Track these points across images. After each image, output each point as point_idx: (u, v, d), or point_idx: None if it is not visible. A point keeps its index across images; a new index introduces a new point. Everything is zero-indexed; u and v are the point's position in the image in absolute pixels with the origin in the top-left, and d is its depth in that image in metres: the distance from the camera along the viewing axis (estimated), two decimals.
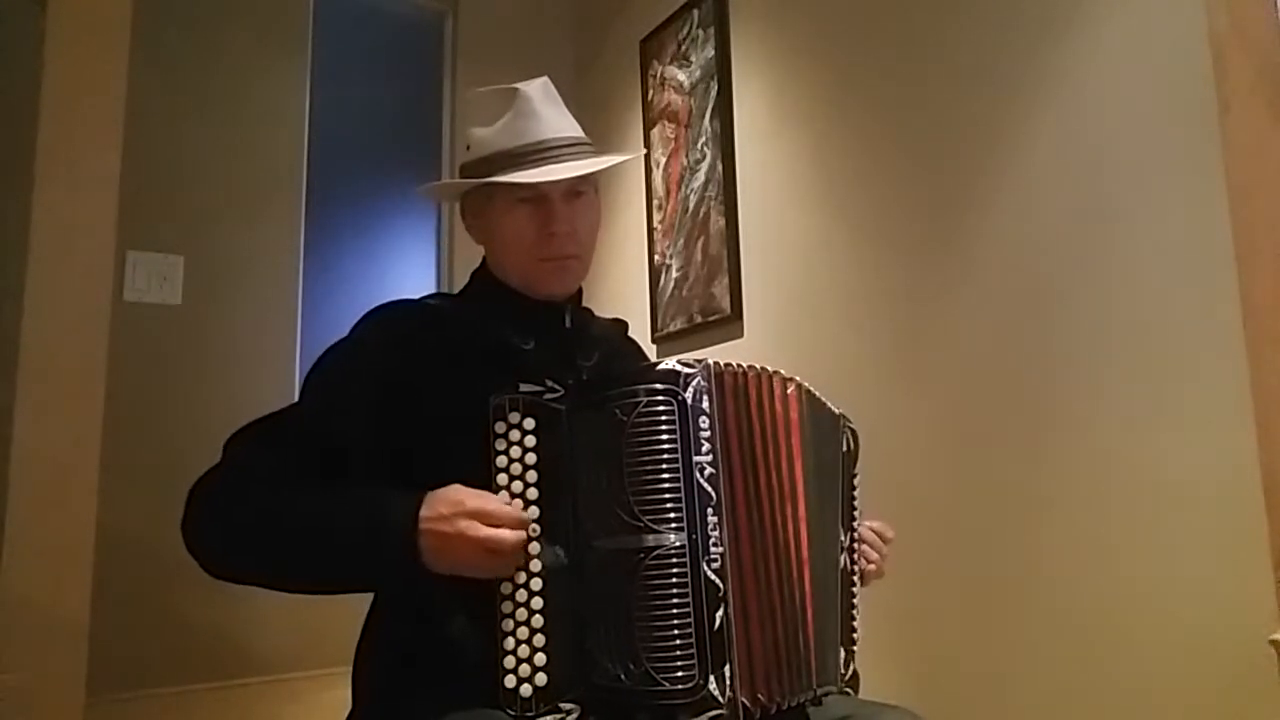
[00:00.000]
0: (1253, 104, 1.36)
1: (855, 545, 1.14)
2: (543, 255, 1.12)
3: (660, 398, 0.90)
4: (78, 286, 1.70)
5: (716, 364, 0.95)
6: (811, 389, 1.06)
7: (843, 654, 1.06)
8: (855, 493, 1.16)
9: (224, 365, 2.40)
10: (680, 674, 0.85)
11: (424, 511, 0.90)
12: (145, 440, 2.21)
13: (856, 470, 1.17)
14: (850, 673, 1.08)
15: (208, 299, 2.41)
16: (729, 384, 0.96)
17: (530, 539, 0.91)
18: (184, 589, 2.16)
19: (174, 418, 2.28)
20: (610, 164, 1.14)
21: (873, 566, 1.16)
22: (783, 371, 1.02)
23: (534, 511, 0.92)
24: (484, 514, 0.89)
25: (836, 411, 1.13)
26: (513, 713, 0.87)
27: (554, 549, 0.92)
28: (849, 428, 1.16)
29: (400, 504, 0.92)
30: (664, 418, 0.90)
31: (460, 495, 0.91)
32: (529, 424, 0.94)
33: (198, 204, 2.43)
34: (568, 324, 1.17)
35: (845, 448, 1.14)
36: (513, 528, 0.90)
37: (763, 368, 1.00)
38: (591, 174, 1.14)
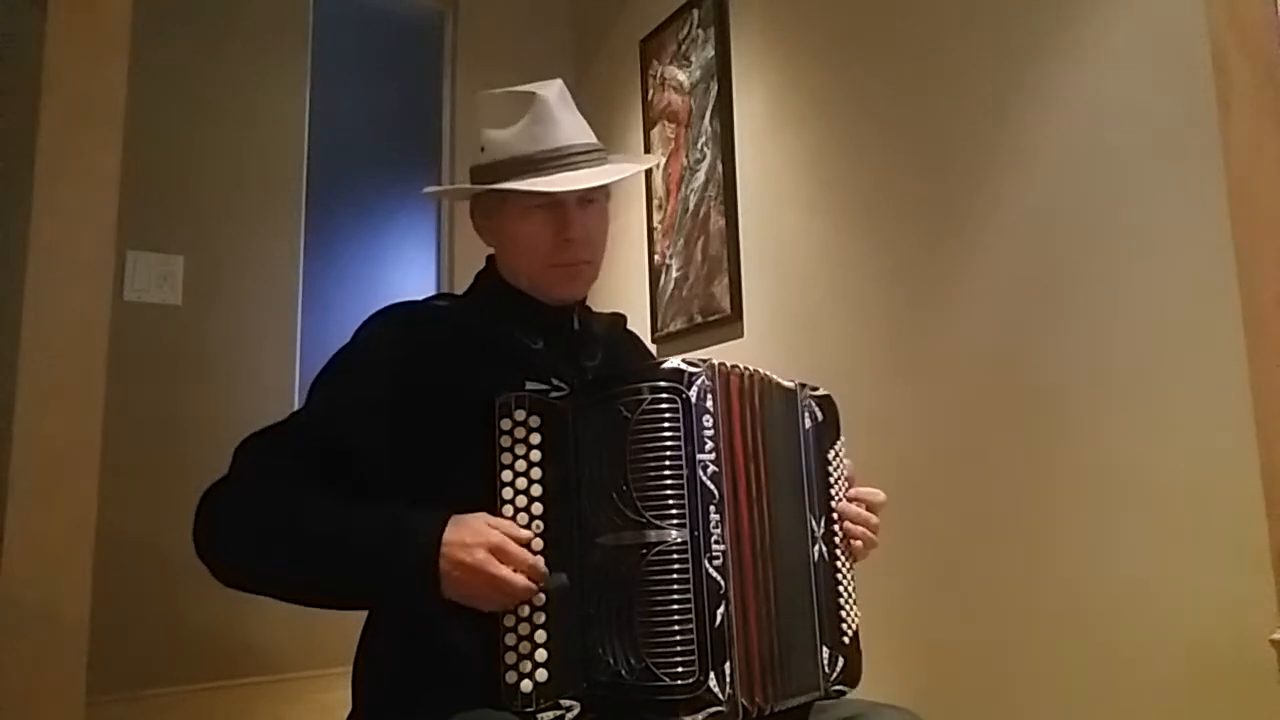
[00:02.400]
0: (1253, 104, 1.36)
1: (836, 528, 1.08)
2: (557, 261, 1.12)
3: (665, 395, 0.91)
4: (78, 286, 1.69)
5: (721, 364, 0.96)
6: (767, 375, 1.04)
7: (826, 653, 1.02)
8: (832, 469, 1.10)
9: (224, 365, 2.40)
10: (680, 670, 0.85)
11: (448, 535, 0.90)
12: (145, 440, 2.21)
13: (837, 441, 1.11)
14: (839, 669, 1.03)
15: (208, 299, 2.41)
16: (734, 385, 0.97)
17: (539, 589, 0.90)
18: (184, 589, 2.16)
19: (174, 418, 2.28)
20: (630, 173, 1.15)
21: (859, 543, 1.10)
22: (771, 374, 1.02)
23: (539, 526, 0.93)
24: (503, 552, 0.89)
25: (790, 385, 1.08)
26: (513, 708, 0.88)
27: (556, 546, 0.92)
28: (811, 399, 1.09)
29: (424, 523, 0.91)
30: (668, 415, 0.90)
31: (483, 526, 0.91)
32: (534, 422, 0.94)
33: (198, 204, 2.43)
34: (575, 326, 1.18)
35: (810, 421, 1.08)
36: (527, 573, 0.90)
37: (763, 372, 1.01)
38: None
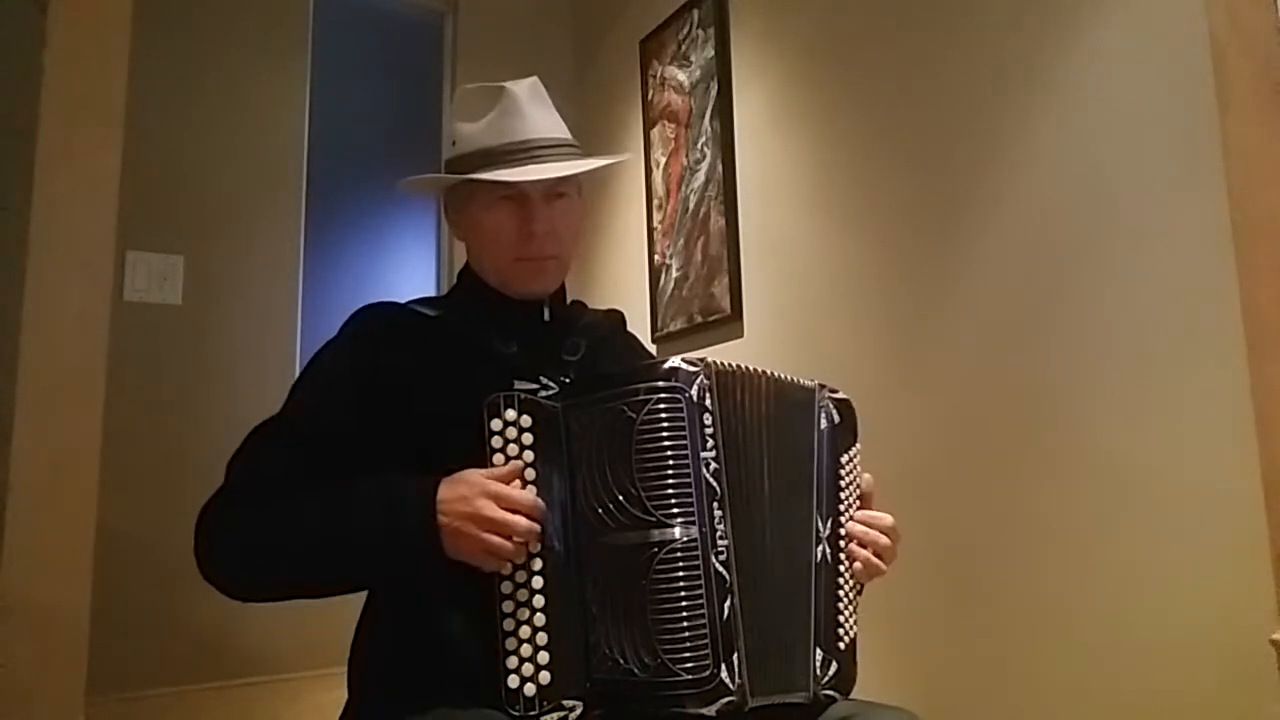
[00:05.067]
0: (1253, 104, 1.36)
1: (843, 532, 1.06)
2: (521, 254, 1.13)
3: (669, 395, 0.92)
4: (78, 286, 1.69)
5: (717, 362, 0.97)
6: (780, 375, 1.04)
7: (820, 655, 1.01)
8: (845, 472, 1.08)
9: (224, 365, 2.40)
10: (692, 664, 0.86)
11: (442, 492, 0.92)
12: (145, 440, 2.21)
13: (852, 446, 1.09)
14: (831, 674, 1.01)
15: (208, 299, 2.41)
16: (730, 382, 0.98)
17: (543, 529, 0.91)
18: (184, 589, 2.14)
19: (174, 418, 2.28)
20: (591, 167, 1.14)
21: (859, 565, 1.06)
22: (753, 366, 1.02)
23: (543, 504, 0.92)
24: (501, 497, 0.90)
25: (810, 386, 1.07)
26: (516, 712, 0.87)
27: (553, 545, 0.92)
28: (830, 400, 1.08)
29: (417, 485, 0.93)
30: (673, 415, 0.91)
31: (479, 477, 0.92)
32: (526, 421, 0.94)
33: (198, 204, 2.43)
34: (546, 318, 1.17)
35: (827, 423, 1.07)
36: (527, 514, 0.90)
37: (749, 366, 1.01)
38: (574, 175, 1.14)
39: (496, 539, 0.89)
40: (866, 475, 1.12)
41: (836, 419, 1.09)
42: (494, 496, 0.90)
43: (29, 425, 1.61)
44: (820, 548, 1.04)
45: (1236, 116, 1.37)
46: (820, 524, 1.04)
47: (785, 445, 1.03)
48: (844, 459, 1.09)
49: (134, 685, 2.13)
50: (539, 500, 0.91)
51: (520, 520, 0.89)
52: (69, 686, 1.59)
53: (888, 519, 1.10)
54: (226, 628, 2.28)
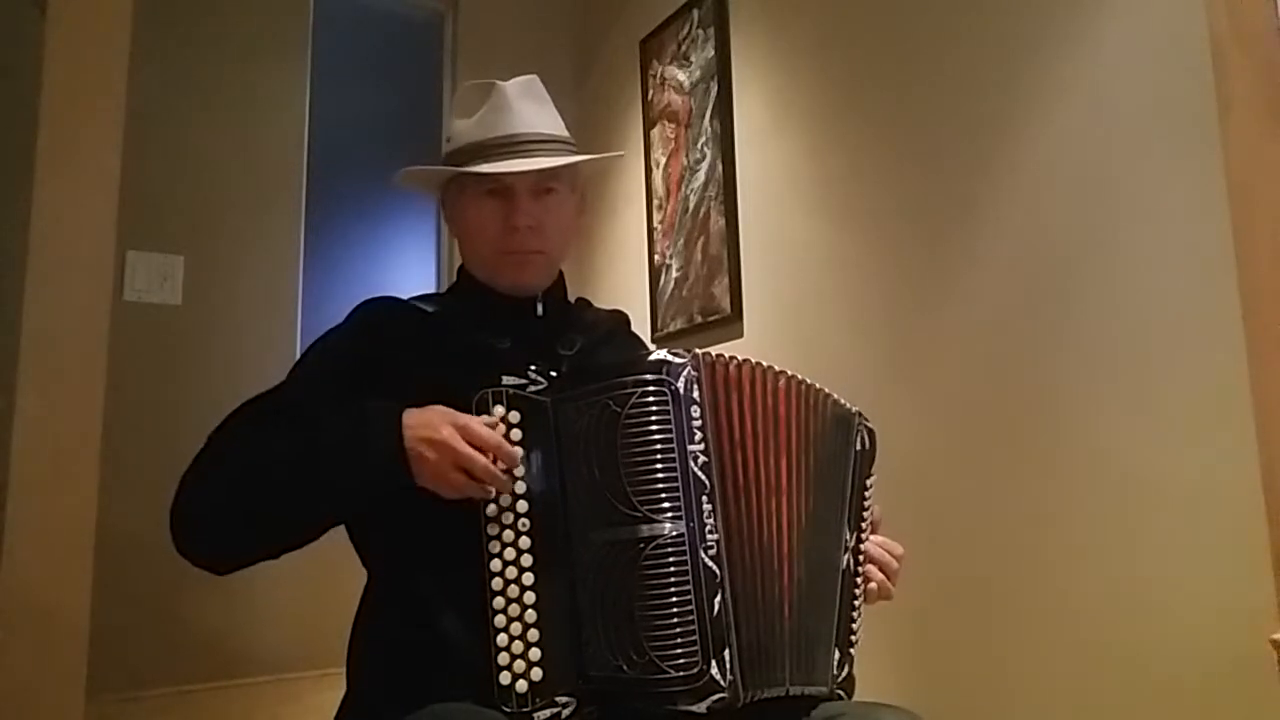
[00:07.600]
0: (1253, 104, 1.36)
1: (862, 549, 1.09)
2: (504, 248, 1.13)
3: (654, 388, 0.91)
4: (78, 286, 1.69)
5: (706, 354, 0.95)
6: (815, 384, 1.04)
7: (837, 655, 1.03)
8: (868, 495, 1.11)
9: (224, 365, 2.39)
10: (682, 660, 0.86)
11: (408, 416, 0.93)
12: (145, 440, 2.21)
13: (872, 472, 1.13)
14: (844, 675, 1.04)
15: (208, 299, 2.41)
16: (719, 374, 0.96)
17: (514, 479, 0.92)
18: (184, 589, 2.16)
19: (174, 418, 2.27)
20: (569, 163, 1.14)
21: (873, 585, 1.10)
22: (776, 366, 1.01)
23: (525, 524, 0.92)
24: (465, 429, 0.91)
25: (852, 409, 1.10)
26: (508, 709, 0.87)
27: (544, 542, 0.92)
28: (865, 426, 1.12)
29: (385, 406, 0.95)
30: (659, 408, 0.90)
31: (443, 409, 0.93)
32: (514, 417, 0.94)
33: (198, 204, 2.43)
34: (539, 312, 1.17)
35: (860, 446, 1.10)
36: (494, 453, 0.91)
37: (756, 361, 0.99)
38: (565, 172, 1.14)
39: (456, 474, 0.90)
40: (877, 507, 1.14)
41: (867, 445, 1.12)
42: (460, 429, 0.91)
43: (29, 425, 1.61)
44: (846, 556, 1.06)
45: (1236, 116, 1.37)
46: (848, 534, 1.06)
47: (819, 451, 1.03)
48: (868, 482, 1.12)
49: (134, 685, 2.12)
50: (504, 442, 0.92)
51: (479, 457, 0.90)
52: (69, 686, 1.59)
53: (899, 548, 1.14)
54: (226, 628, 2.28)
